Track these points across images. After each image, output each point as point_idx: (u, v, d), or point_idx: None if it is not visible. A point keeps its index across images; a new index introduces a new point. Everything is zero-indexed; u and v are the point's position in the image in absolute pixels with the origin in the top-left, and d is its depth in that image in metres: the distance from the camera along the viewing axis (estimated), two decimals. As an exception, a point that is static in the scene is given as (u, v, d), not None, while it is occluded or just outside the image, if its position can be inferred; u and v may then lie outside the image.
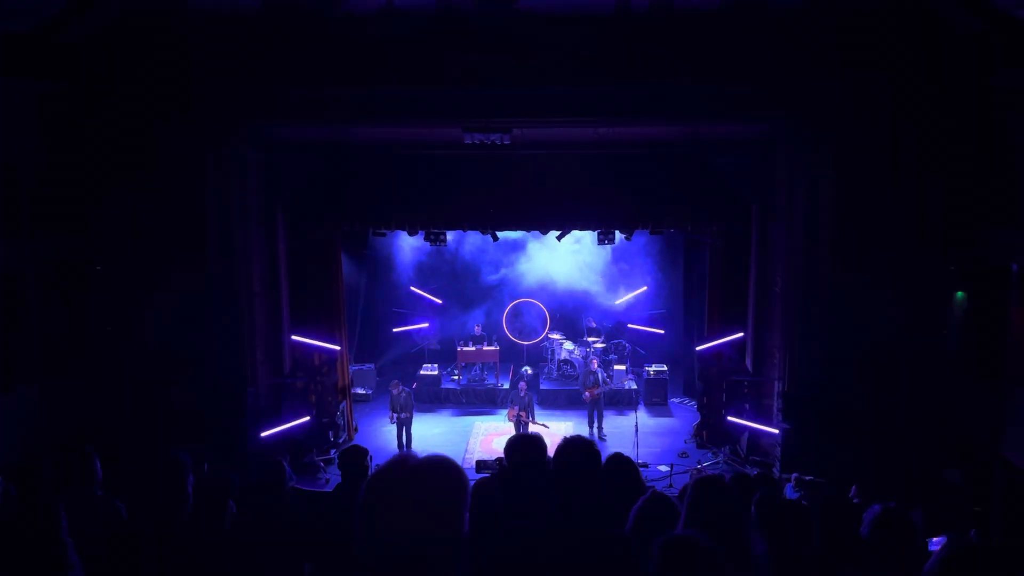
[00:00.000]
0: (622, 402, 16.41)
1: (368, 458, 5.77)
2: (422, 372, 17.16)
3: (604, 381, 15.27)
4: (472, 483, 5.17)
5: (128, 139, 11.33)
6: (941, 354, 11.62)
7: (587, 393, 14.95)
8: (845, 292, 11.55)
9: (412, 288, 18.26)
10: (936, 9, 10.12)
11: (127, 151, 11.37)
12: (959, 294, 11.61)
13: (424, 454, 1.99)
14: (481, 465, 11.17)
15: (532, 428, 14.01)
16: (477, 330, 17.62)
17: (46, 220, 10.94)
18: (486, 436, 15.03)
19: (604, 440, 14.59)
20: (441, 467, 1.94)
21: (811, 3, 10.43)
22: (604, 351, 17.73)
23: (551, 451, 3.85)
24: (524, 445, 4.12)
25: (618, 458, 4.97)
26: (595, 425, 14.96)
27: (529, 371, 17.40)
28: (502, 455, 5.48)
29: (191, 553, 3.79)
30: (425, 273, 18.29)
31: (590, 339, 17.85)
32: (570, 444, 3.42)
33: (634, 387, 16.77)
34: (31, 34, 9.80)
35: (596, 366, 15.30)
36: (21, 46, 9.81)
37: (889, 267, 11.42)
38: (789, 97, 11.22)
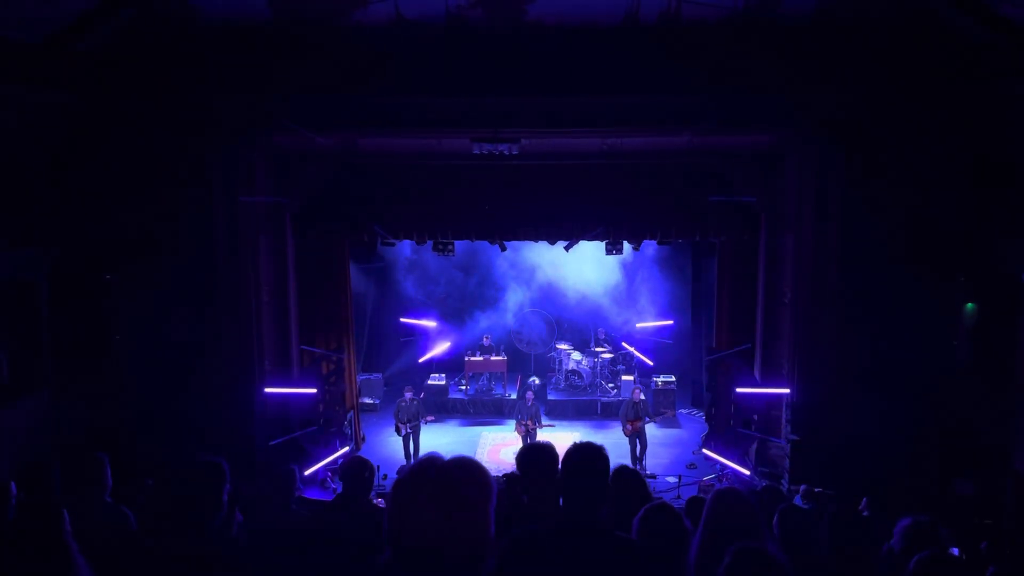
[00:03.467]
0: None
1: (369, 470, 5.74)
2: (429, 382, 17.16)
3: (648, 415, 13.94)
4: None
5: (138, 147, 11.40)
6: (951, 365, 11.56)
7: (628, 426, 13.69)
8: (854, 303, 11.52)
9: (421, 298, 18.26)
10: (945, 19, 10.11)
11: (137, 159, 11.44)
12: (969, 304, 11.56)
13: (449, 455, 2.01)
14: None
15: (540, 432, 13.98)
16: (486, 341, 17.59)
17: (56, 228, 11.00)
18: (493, 446, 15.01)
19: (654, 478, 13.21)
20: (468, 466, 1.95)
21: (820, 15, 10.44)
22: (612, 361, 17.70)
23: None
24: (536, 454, 4.12)
25: (623, 471, 4.95)
26: (639, 460, 13.63)
27: (536, 381, 17.38)
28: (507, 469, 5.48)
29: (195, 561, 3.78)
30: (434, 282, 18.31)
31: (598, 349, 17.81)
32: (579, 450, 3.40)
33: (642, 398, 16.70)
34: (43, 44, 9.87)
35: (639, 396, 13.98)
36: (32, 55, 9.88)
37: (898, 277, 11.38)
38: (797, 108, 11.21)
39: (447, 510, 1.86)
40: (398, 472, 12.41)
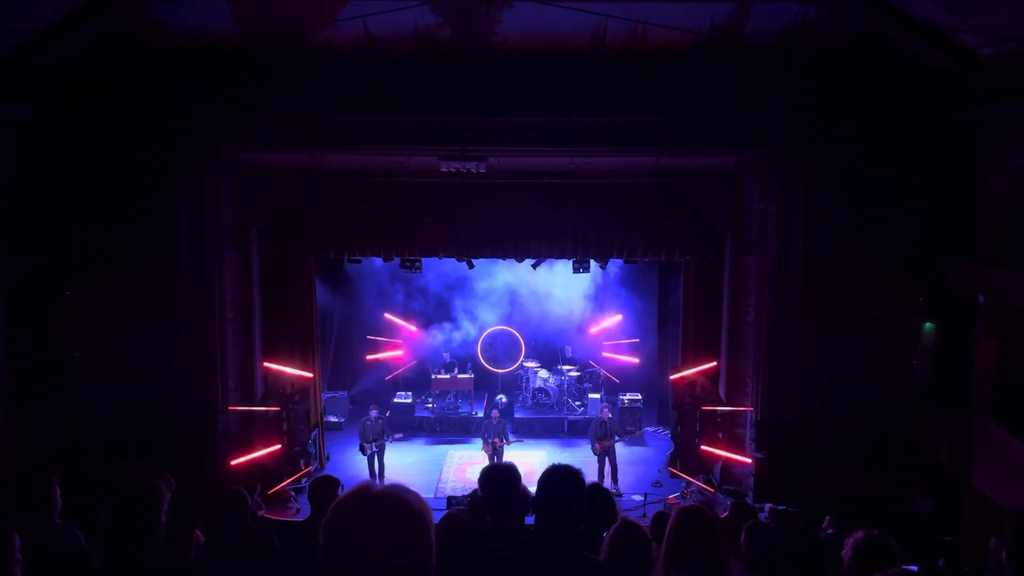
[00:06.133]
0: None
1: (339, 489, 5.72)
2: (396, 400, 17.04)
3: (617, 434, 13.84)
4: (444, 515, 5.15)
5: (101, 162, 11.27)
6: (911, 383, 11.76)
7: (596, 445, 13.53)
8: (817, 322, 11.68)
9: (387, 315, 18.17)
10: (905, 46, 10.35)
11: (100, 174, 11.30)
12: (927, 324, 11.78)
13: (386, 482, 1.99)
14: (452, 501, 11.07)
15: (507, 450, 13.90)
16: (446, 357, 17.52)
17: (16, 243, 10.80)
18: (460, 465, 14.91)
19: (621, 496, 13.15)
20: (403, 493, 1.93)
21: (783, 40, 10.64)
22: (579, 379, 17.72)
23: (529, 479, 3.83)
24: (497, 474, 4.11)
25: (593, 488, 4.97)
26: (607, 478, 13.40)
27: (503, 399, 17.33)
28: (475, 487, 5.47)
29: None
30: (400, 300, 18.22)
31: (565, 367, 17.84)
32: (557, 472, 3.40)
33: (610, 416, 16.73)
34: (4, 57, 9.72)
35: (608, 415, 13.95)
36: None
37: (859, 297, 11.58)
38: (760, 130, 11.41)
39: (384, 539, 1.83)
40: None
